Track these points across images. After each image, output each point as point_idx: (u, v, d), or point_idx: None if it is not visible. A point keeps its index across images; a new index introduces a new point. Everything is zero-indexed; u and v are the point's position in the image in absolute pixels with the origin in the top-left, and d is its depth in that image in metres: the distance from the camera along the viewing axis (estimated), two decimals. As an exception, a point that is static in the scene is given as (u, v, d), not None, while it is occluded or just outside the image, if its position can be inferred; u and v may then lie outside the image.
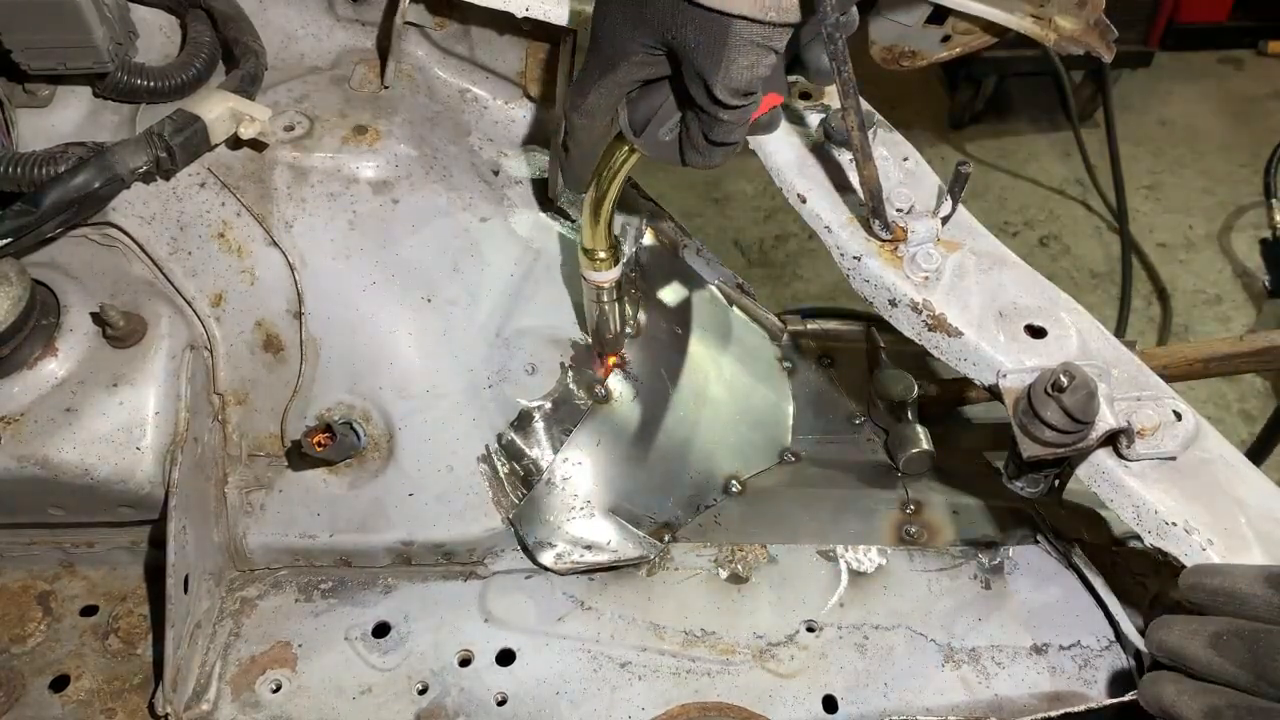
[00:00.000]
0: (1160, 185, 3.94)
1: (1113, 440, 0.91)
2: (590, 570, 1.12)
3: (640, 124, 0.86)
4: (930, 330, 0.99)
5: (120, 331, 1.03)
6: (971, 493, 1.22)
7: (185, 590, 1.00)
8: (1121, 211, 3.58)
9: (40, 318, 1.03)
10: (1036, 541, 1.15)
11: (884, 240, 1.00)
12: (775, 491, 1.25)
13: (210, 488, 1.09)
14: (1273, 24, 4.41)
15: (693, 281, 1.36)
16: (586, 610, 1.09)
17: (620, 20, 0.79)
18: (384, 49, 1.21)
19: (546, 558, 1.10)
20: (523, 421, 1.13)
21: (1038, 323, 0.97)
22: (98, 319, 1.04)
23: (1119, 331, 3.17)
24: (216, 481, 1.10)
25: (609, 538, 1.12)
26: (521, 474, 1.13)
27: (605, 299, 1.11)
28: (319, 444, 1.02)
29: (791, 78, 1.12)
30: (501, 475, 1.11)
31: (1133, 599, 1.07)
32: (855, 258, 1.01)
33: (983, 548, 1.15)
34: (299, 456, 1.08)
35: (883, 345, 1.38)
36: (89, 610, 1.11)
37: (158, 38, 1.17)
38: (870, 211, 0.98)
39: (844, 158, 1.05)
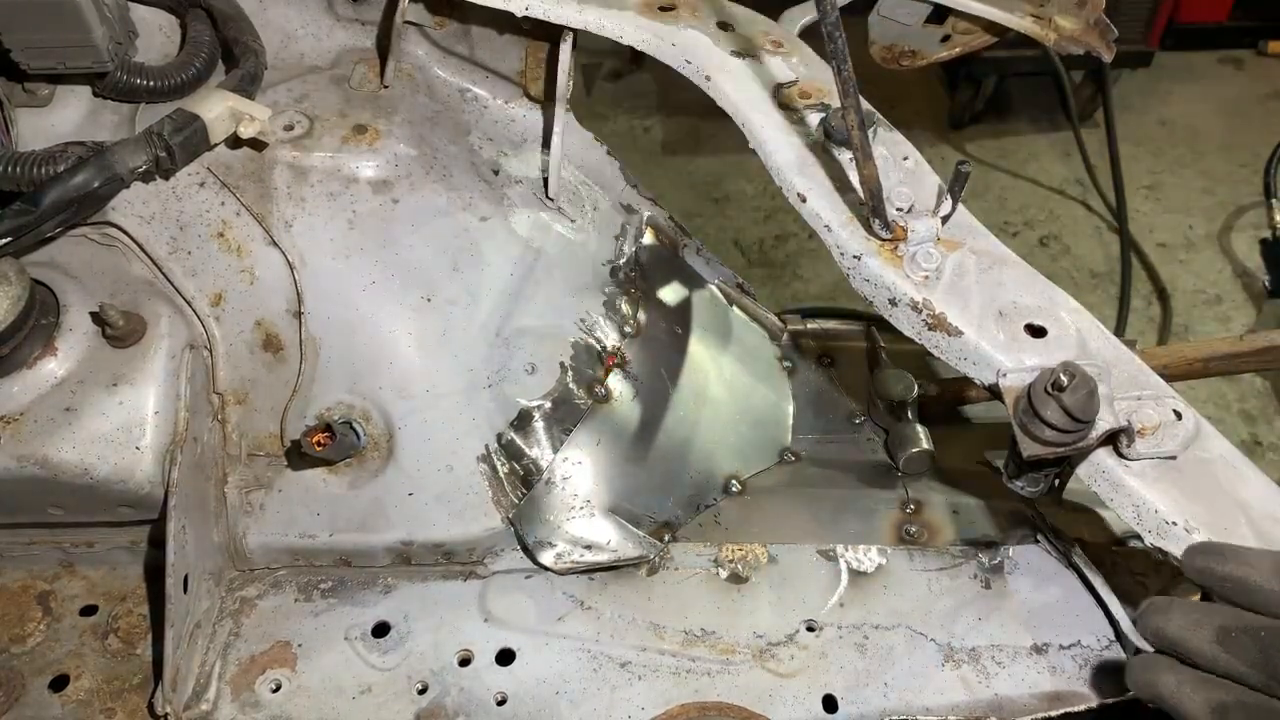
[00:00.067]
0: (1160, 185, 3.94)
1: (1113, 440, 0.91)
2: (590, 570, 1.12)
3: None
4: (930, 329, 0.99)
5: (120, 331, 1.03)
6: (971, 493, 1.22)
7: (185, 590, 1.00)
8: (1121, 211, 3.58)
9: (40, 317, 1.03)
10: (1036, 541, 1.15)
11: (884, 239, 1.00)
12: (775, 491, 1.25)
13: (210, 487, 1.09)
14: (1273, 24, 4.41)
15: (693, 281, 1.36)
16: (586, 610, 1.09)
17: None
18: (384, 48, 1.21)
19: (546, 557, 1.10)
20: (523, 421, 1.13)
21: (1038, 322, 0.97)
22: (97, 318, 1.04)
23: (1119, 331, 3.16)
24: (216, 481, 1.10)
25: (609, 537, 1.12)
26: (521, 474, 1.13)
27: None
28: (319, 444, 1.02)
29: (791, 77, 1.13)
30: (501, 475, 1.11)
31: (1133, 599, 1.07)
32: (855, 257, 1.01)
33: (983, 547, 1.15)
34: (299, 456, 1.08)
35: (883, 345, 1.38)
36: (89, 610, 1.11)
37: (157, 37, 1.17)
38: (870, 211, 0.98)
39: (844, 157, 1.05)
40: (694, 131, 3.99)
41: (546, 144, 1.25)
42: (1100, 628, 1.07)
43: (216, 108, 1.05)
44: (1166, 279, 3.50)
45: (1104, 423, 0.88)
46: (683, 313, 1.32)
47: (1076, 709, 0.92)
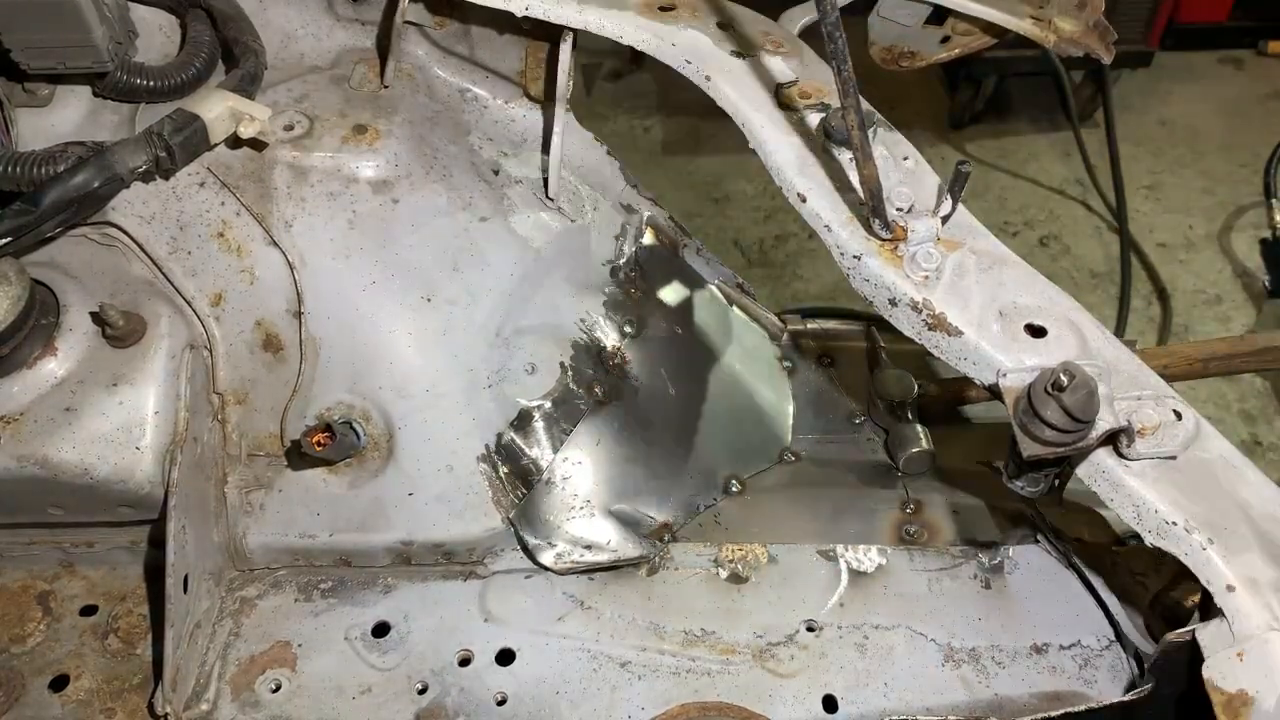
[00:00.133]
0: (1160, 185, 3.94)
1: (1113, 440, 0.91)
2: (590, 570, 1.12)
3: None
4: (930, 329, 0.99)
5: (120, 331, 1.03)
6: (971, 493, 1.22)
7: (185, 590, 1.00)
8: (1121, 211, 3.58)
9: (40, 317, 1.03)
10: (1036, 541, 1.15)
11: (884, 239, 1.00)
12: (775, 491, 1.25)
13: (210, 487, 1.09)
14: (1273, 24, 4.40)
15: (693, 281, 1.36)
16: (586, 610, 1.09)
17: None
18: (384, 48, 1.21)
19: (546, 557, 1.10)
20: (523, 421, 1.13)
21: (1038, 322, 0.97)
22: (97, 318, 1.04)
23: (1119, 331, 3.17)
24: (216, 481, 1.10)
25: (609, 537, 1.12)
26: (521, 474, 1.13)
27: None
28: (319, 444, 1.02)
29: (791, 77, 1.13)
30: (501, 475, 1.11)
31: (1133, 599, 1.07)
32: (855, 257, 1.01)
33: (983, 548, 1.15)
34: (299, 456, 1.08)
35: (883, 345, 1.38)
36: (89, 610, 1.11)
37: (157, 37, 1.17)
38: (870, 211, 0.98)
39: (844, 157, 1.05)
40: (694, 131, 3.99)
41: (546, 144, 1.25)
42: (1100, 628, 1.07)
43: (216, 108, 1.05)
44: (1166, 279, 3.50)
45: (1104, 423, 0.88)
46: (683, 313, 1.32)
47: (1076, 709, 0.92)
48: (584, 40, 1.17)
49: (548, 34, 1.19)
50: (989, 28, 1.30)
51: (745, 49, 1.14)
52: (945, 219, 1.02)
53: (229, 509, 1.10)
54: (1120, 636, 1.05)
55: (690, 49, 1.12)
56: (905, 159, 1.08)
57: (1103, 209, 3.79)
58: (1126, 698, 0.94)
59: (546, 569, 1.11)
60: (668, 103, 4.11)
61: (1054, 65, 3.62)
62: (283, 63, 1.22)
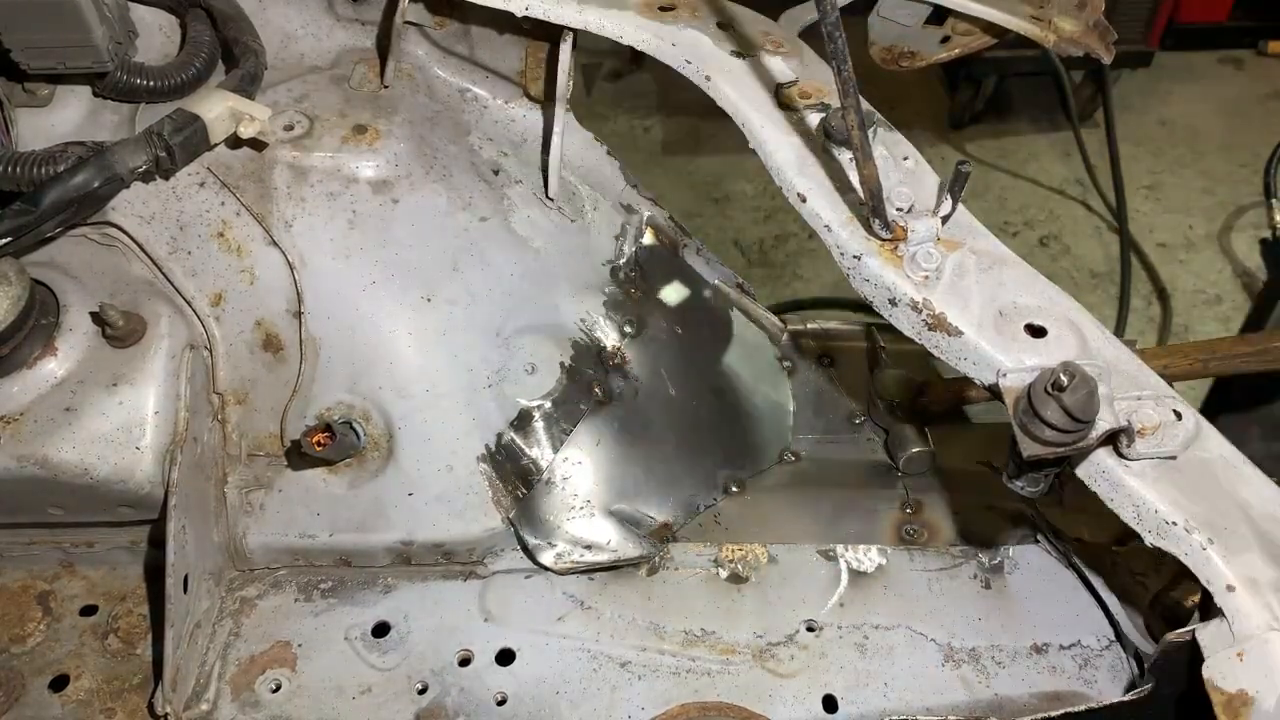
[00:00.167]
0: (1160, 185, 3.94)
1: (1113, 440, 0.91)
2: (590, 570, 1.12)
3: None
4: (930, 329, 0.99)
5: (120, 331, 1.03)
6: (971, 493, 1.22)
7: (185, 590, 1.00)
8: (1121, 211, 3.58)
9: (40, 317, 1.03)
10: (1036, 541, 1.15)
11: (884, 239, 1.00)
12: (775, 491, 1.25)
13: (210, 487, 1.09)
14: (1273, 24, 4.40)
15: (693, 281, 1.36)
16: (586, 610, 1.09)
17: None
18: (384, 48, 1.21)
19: (546, 557, 1.10)
20: (523, 421, 1.13)
21: (1038, 322, 0.97)
22: (97, 318, 1.04)
23: (1119, 331, 3.16)
24: (216, 481, 1.10)
25: (609, 537, 1.12)
26: (521, 474, 1.13)
27: None
28: (319, 444, 1.02)
29: (791, 77, 1.13)
30: (501, 475, 1.11)
31: (1133, 599, 1.07)
32: (855, 257, 1.01)
33: (983, 548, 1.15)
34: (299, 456, 1.08)
35: (883, 345, 1.38)
36: (89, 610, 1.11)
37: (157, 37, 1.17)
38: (870, 210, 0.98)
39: (844, 157, 1.05)
40: (694, 131, 3.99)
41: (546, 144, 1.25)
42: (1100, 628, 1.07)
43: (216, 108, 1.05)
44: (1166, 279, 3.50)
45: (1104, 423, 0.88)
46: (683, 313, 1.32)
47: (1076, 709, 0.92)
48: (584, 40, 1.17)
49: (548, 34, 1.19)
50: (989, 28, 1.29)
51: (745, 49, 1.14)
52: (945, 219, 1.02)
53: (229, 509, 1.10)
54: (1120, 636, 1.05)
55: (690, 49, 1.12)
56: (905, 159, 1.08)
57: (1103, 209, 3.79)
58: (1126, 698, 0.94)
59: (546, 569, 1.11)
60: (668, 103, 4.12)
61: (1054, 65, 3.62)
62: (283, 63, 1.22)
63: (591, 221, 1.26)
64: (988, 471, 1.26)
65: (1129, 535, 1.13)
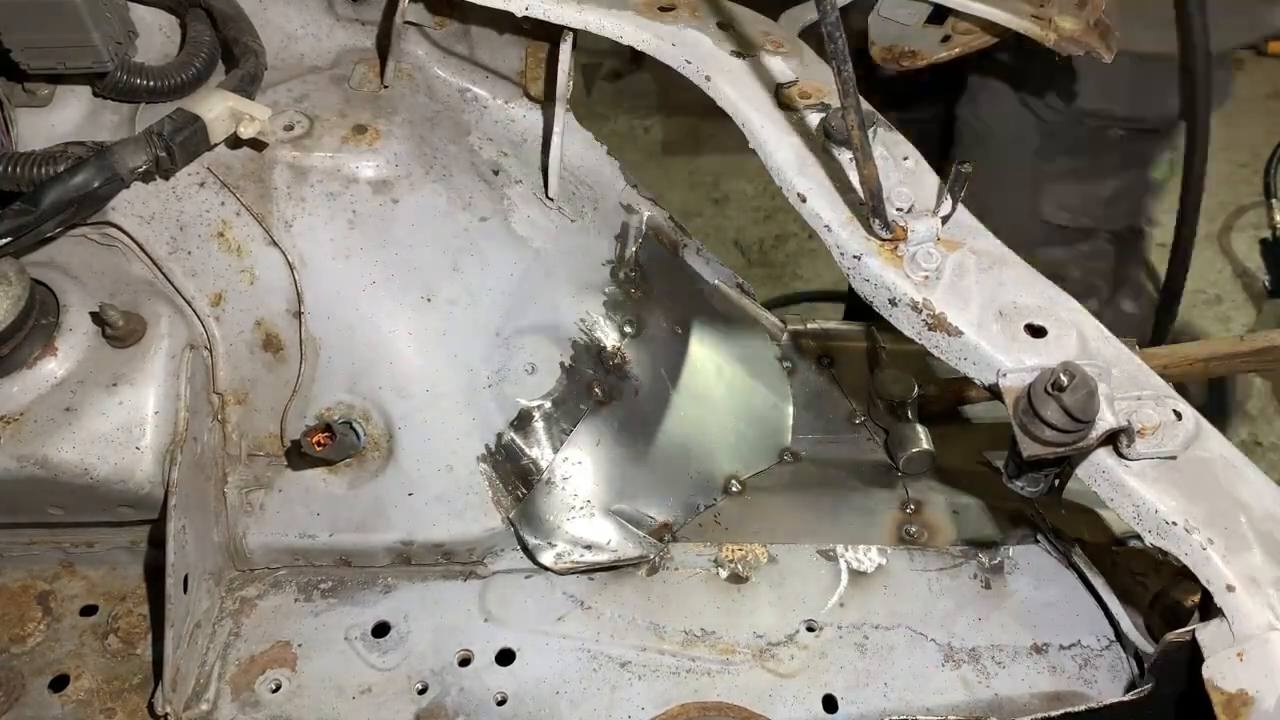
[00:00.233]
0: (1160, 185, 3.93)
1: (1113, 439, 0.91)
2: (590, 570, 1.12)
3: None
4: (930, 329, 0.99)
5: (120, 331, 1.03)
6: (971, 493, 1.22)
7: (185, 590, 1.00)
8: (1121, 211, 3.57)
9: (40, 317, 1.03)
10: (1036, 541, 1.15)
11: (884, 239, 1.00)
12: (775, 491, 1.25)
13: (210, 487, 1.09)
14: (1273, 24, 4.40)
15: (693, 281, 1.36)
16: (586, 610, 1.09)
17: None
18: (384, 48, 1.21)
19: (546, 557, 1.10)
20: (523, 421, 1.13)
21: (1038, 322, 0.97)
22: (97, 318, 1.04)
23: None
24: (216, 481, 1.10)
25: (609, 537, 1.12)
26: (521, 474, 1.13)
27: None
28: (319, 444, 1.02)
29: (791, 77, 1.13)
30: (501, 475, 1.11)
31: (1133, 599, 1.07)
32: (855, 257, 1.01)
33: (983, 548, 1.15)
34: (299, 456, 1.08)
35: (883, 345, 1.38)
36: (89, 610, 1.11)
37: (157, 37, 1.17)
38: (870, 210, 0.98)
39: (844, 157, 1.05)
40: (694, 131, 3.99)
41: (546, 144, 1.25)
42: (1100, 628, 1.07)
43: (216, 108, 1.05)
44: (1166, 279, 3.50)
45: (1104, 423, 0.88)
46: (683, 313, 1.32)
47: (1076, 709, 0.92)
48: (584, 40, 1.17)
49: (548, 34, 1.19)
50: (989, 27, 1.30)
51: (745, 49, 1.14)
52: (945, 219, 1.02)
53: (229, 509, 1.10)
54: (1120, 636, 1.05)
55: (690, 49, 1.12)
56: (905, 159, 1.08)
57: (1103, 209, 3.79)
58: (1126, 698, 0.94)
59: (546, 569, 1.11)
60: (668, 103, 4.11)
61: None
62: (283, 63, 1.22)
63: (591, 221, 1.26)
64: (988, 471, 1.26)
65: (1129, 535, 1.14)
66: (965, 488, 1.23)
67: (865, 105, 0.97)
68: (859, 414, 1.35)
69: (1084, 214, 1.91)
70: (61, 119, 1.11)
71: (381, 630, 1.08)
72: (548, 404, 1.14)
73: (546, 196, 1.23)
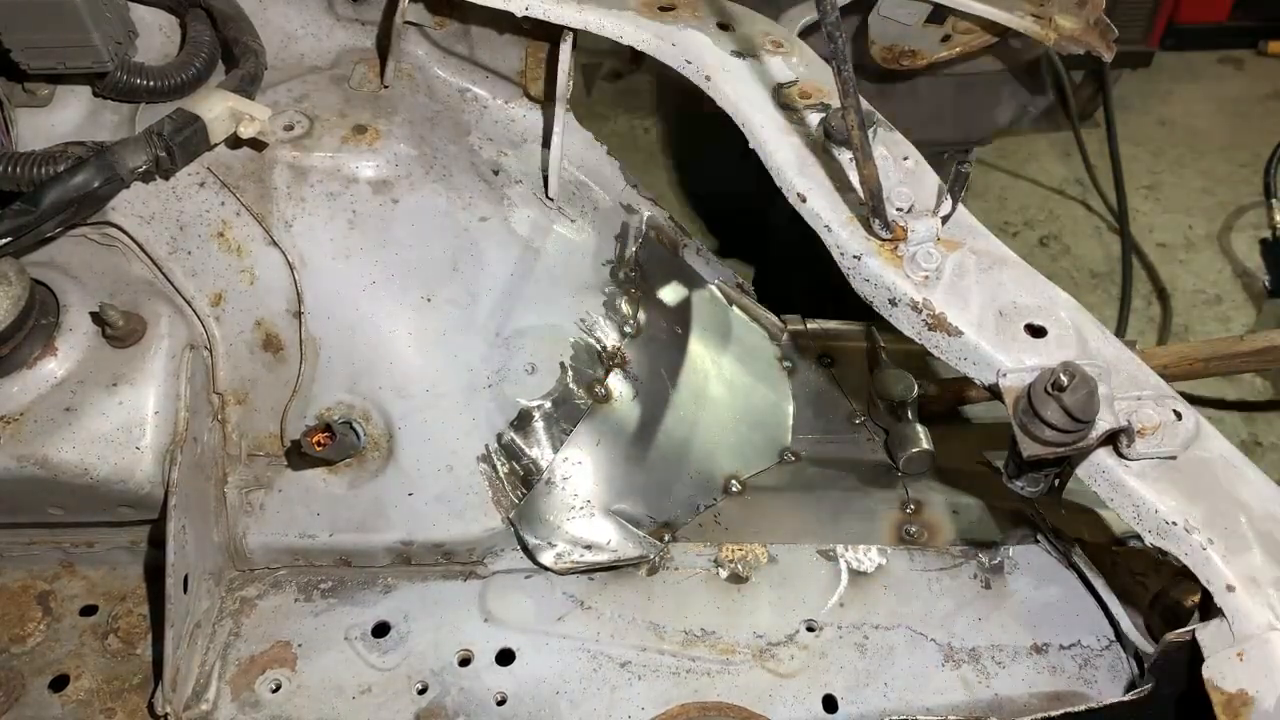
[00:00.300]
0: (1160, 185, 3.94)
1: (1113, 439, 0.91)
2: (590, 570, 1.12)
3: None
4: (930, 329, 0.99)
5: (120, 331, 1.03)
6: (971, 493, 1.22)
7: (185, 590, 1.00)
8: (1122, 211, 3.57)
9: (40, 317, 1.03)
10: (1036, 541, 1.15)
11: (884, 239, 1.00)
12: (775, 491, 1.25)
13: (210, 487, 1.09)
14: (1273, 24, 4.40)
15: (693, 281, 1.36)
16: (586, 610, 1.09)
17: None
18: (384, 48, 1.21)
19: (546, 557, 1.10)
20: (522, 421, 1.13)
21: (1038, 322, 0.97)
22: (97, 318, 1.04)
23: (1119, 331, 3.16)
24: (216, 481, 1.10)
25: (609, 537, 1.12)
26: (521, 474, 1.13)
27: None
28: (319, 444, 1.02)
29: (791, 77, 1.13)
30: (501, 475, 1.11)
31: (1133, 599, 1.07)
32: (855, 257, 1.01)
33: (983, 548, 1.15)
34: (299, 456, 1.08)
35: (883, 345, 1.38)
36: (89, 610, 1.11)
37: (157, 37, 1.17)
38: (870, 211, 0.98)
39: (844, 157, 1.05)
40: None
41: (546, 144, 1.25)
42: (1100, 628, 1.07)
43: (216, 108, 1.05)
44: (1166, 279, 3.50)
45: (1104, 423, 0.88)
46: (683, 313, 1.32)
47: (1076, 709, 0.92)
48: (584, 40, 1.17)
49: (548, 34, 1.19)
50: (989, 26, 1.30)
51: (745, 49, 1.14)
52: (945, 219, 1.02)
53: (229, 509, 1.10)
54: (1120, 636, 1.05)
55: (690, 49, 1.12)
56: (905, 159, 1.08)
57: (1103, 209, 3.79)
58: (1126, 698, 0.94)
59: (546, 569, 1.11)
60: (668, 103, 4.11)
61: (1054, 65, 3.61)
62: (283, 63, 1.22)
63: (591, 221, 1.26)
64: (988, 471, 1.26)
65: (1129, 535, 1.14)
66: (965, 488, 1.23)
67: (865, 105, 0.97)
68: (859, 414, 1.35)
69: None
70: (61, 119, 1.11)
71: (381, 630, 1.08)
72: (548, 404, 1.14)
73: (546, 196, 1.23)
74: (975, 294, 0.99)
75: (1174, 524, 0.88)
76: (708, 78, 1.10)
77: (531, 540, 1.11)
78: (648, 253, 1.31)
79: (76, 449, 1.01)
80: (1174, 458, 0.91)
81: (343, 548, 1.11)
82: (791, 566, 1.14)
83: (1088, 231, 3.75)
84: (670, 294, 1.32)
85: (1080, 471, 0.95)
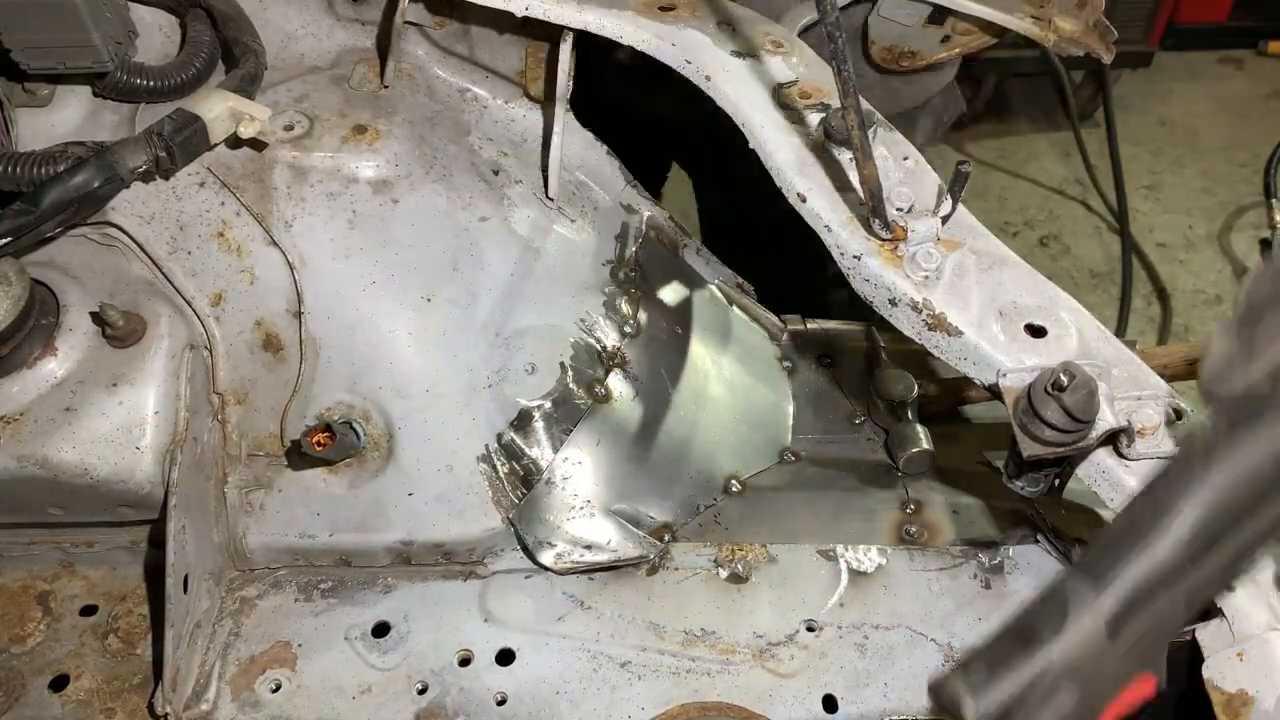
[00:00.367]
0: (1160, 185, 3.94)
1: (1113, 439, 0.91)
2: (590, 570, 1.12)
3: None
4: (930, 329, 0.99)
5: (120, 331, 1.03)
6: (971, 493, 1.22)
7: (185, 590, 1.00)
8: (1122, 211, 3.58)
9: (40, 317, 1.03)
10: (1036, 541, 1.15)
11: (884, 239, 1.00)
12: (775, 491, 1.25)
13: (210, 487, 1.09)
14: (1273, 24, 4.41)
15: (693, 281, 1.36)
16: (586, 610, 1.09)
17: None
18: (384, 48, 1.21)
19: (546, 557, 1.10)
20: (522, 421, 1.13)
21: (1038, 322, 0.97)
22: (97, 318, 1.04)
23: (1119, 331, 3.16)
24: (216, 481, 1.10)
25: (609, 537, 1.12)
26: (521, 474, 1.13)
27: None
28: (319, 444, 1.02)
29: (791, 77, 1.13)
30: (501, 475, 1.11)
31: (1133, 599, 1.07)
32: (855, 257, 1.01)
33: (983, 548, 1.15)
34: (299, 456, 1.08)
35: (883, 345, 1.38)
36: (89, 610, 1.11)
37: (157, 37, 1.17)
38: (870, 211, 0.98)
39: (844, 157, 1.05)
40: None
41: (546, 144, 1.25)
42: (1100, 628, 1.07)
43: (216, 108, 1.05)
44: (1166, 279, 3.50)
45: (1104, 423, 0.88)
46: (683, 313, 1.32)
47: (1076, 709, 0.92)
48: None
49: (548, 34, 1.19)
50: (989, 27, 1.30)
51: (745, 49, 1.14)
52: (945, 219, 1.02)
53: (229, 509, 1.10)
54: (1120, 636, 1.05)
55: (690, 49, 1.12)
56: (905, 159, 1.08)
57: (1103, 209, 3.79)
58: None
59: (546, 569, 1.11)
60: (667, 103, 4.11)
61: (1054, 65, 3.62)
62: (283, 63, 1.22)
63: (591, 221, 1.27)
64: (988, 471, 1.26)
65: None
66: (965, 488, 1.23)
67: (865, 105, 0.97)
68: (859, 414, 1.34)
69: None
70: (61, 119, 1.11)
71: (381, 630, 1.08)
72: (548, 404, 1.14)
73: (546, 196, 1.23)
74: (975, 294, 0.99)
75: (1174, 524, 0.88)
76: (708, 78, 1.10)
77: (531, 540, 1.11)
78: (648, 253, 1.31)
79: (76, 449, 1.01)
80: (1174, 458, 0.91)
81: (343, 548, 1.11)
82: (791, 566, 1.14)
83: (1088, 231, 3.75)
84: (670, 294, 1.32)
85: (1080, 471, 0.95)
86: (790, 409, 1.35)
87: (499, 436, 1.11)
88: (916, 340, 1.01)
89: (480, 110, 1.26)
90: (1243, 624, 0.84)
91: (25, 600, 1.12)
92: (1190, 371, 1.31)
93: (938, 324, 0.98)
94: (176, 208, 1.07)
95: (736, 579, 1.13)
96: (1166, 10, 4.04)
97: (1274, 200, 3.01)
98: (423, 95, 1.22)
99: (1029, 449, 0.89)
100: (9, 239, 0.96)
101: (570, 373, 1.16)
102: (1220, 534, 0.61)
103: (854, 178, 1.02)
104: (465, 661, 1.05)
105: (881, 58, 1.38)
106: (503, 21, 1.19)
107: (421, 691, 1.03)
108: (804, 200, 1.04)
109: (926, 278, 0.99)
